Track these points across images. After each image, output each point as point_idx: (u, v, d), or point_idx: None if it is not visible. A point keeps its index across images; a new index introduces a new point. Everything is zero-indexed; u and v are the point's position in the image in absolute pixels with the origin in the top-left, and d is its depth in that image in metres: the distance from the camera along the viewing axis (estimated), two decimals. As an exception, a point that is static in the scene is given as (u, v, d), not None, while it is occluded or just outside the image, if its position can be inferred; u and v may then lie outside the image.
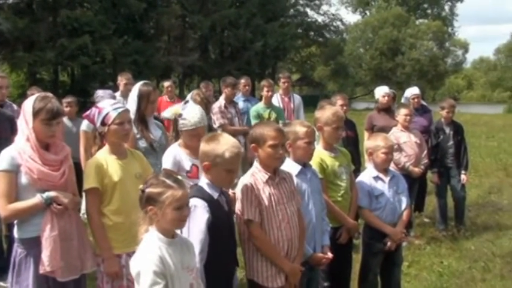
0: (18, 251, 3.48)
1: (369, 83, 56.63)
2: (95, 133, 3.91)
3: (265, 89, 7.97)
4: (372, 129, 7.69)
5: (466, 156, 7.74)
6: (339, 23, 61.98)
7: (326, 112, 4.49)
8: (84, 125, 6.76)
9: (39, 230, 3.40)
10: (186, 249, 2.91)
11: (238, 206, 3.52)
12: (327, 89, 59.23)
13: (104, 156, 3.73)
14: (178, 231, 2.95)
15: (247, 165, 5.88)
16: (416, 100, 8.27)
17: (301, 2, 57.18)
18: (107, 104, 3.83)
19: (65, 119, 7.36)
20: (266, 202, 3.50)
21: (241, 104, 8.33)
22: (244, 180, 3.57)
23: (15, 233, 3.51)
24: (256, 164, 3.65)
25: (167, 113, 4.64)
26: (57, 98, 3.62)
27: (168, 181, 2.81)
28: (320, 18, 60.76)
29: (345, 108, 6.78)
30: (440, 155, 7.64)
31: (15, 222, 3.53)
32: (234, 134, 7.32)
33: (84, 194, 3.73)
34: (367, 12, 67.74)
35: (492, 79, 78.38)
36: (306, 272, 3.78)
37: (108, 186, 3.66)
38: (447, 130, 7.67)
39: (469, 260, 6.44)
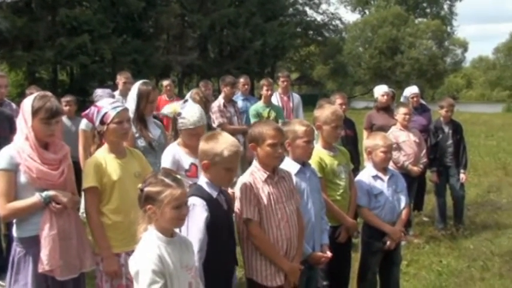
0: (17, 250, 3.48)
1: (368, 82, 56.67)
2: (94, 132, 3.91)
3: (265, 88, 7.97)
4: (371, 128, 7.70)
5: (465, 155, 7.75)
6: (338, 22, 61.97)
7: (325, 111, 4.49)
8: (83, 124, 6.75)
9: (38, 229, 3.40)
10: (185, 248, 2.91)
11: (237, 205, 3.52)
12: (326, 88, 59.20)
13: (103, 155, 3.73)
14: (177, 230, 2.95)
15: (246, 164, 5.88)
16: (415, 99, 8.27)
17: (300, 1, 57.14)
18: (106, 103, 3.83)
19: (64, 118, 7.35)
20: (265, 201, 3.51)
21: (240, 103, 8.32)
22: (243, 179, 3.57)
23: (14, 232, 3.51)
24: (255, 163, 3.65)
25: (166, 110, 4.64)
26: (56, 97, 3.62)
27: (166, 180, 2.81)
28: (319, 17, 60.77)
29: (344, 107, 6.78)
30: (440, 154, 7.64)
31: (14, 221, 3.53)
32: (233, 133, 7.31)
33: (83, 193, 3.73)
34: (367, 11, 67.70)
35: (491, 78, 78.35)
36: (305, 270, 3.78)
37: (107, 185, 3.66)
38: (446, 129, 7.67)
39: (468, 259, 6.45)
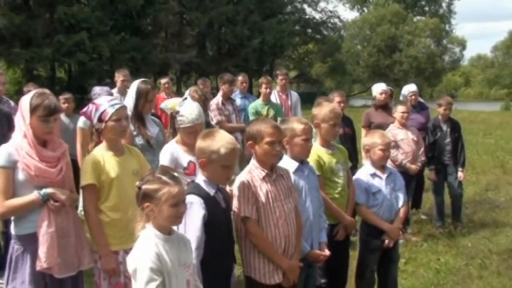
0: (15, 247, 3.48)
1: (367, 80, 56.64)
2: (92, 130, 3.90)
3: (264, 86, 7.97)
4: (369, 126, 7.70)
5: (463, 153, 7.76)
6: (336, 20, 62.12)
7: (323, 109, 4.49)
8: (81, 121, 6.74)
9: (36, 226, 3.40)
10: (183, 245, 2.91)
11: (235, 203, 3.52)
12: (325, 86, 59.33)
13: (101, 153, 3.73)
14: (175, 228, 2.95)
15: (244, 162, 5.88)
16: (413, 97, 8.28)
17: (298, -1, 57.24)
18: (104, 101, 3.82)
19: (62, 116, 7.35)
20: (263, 199, 3.50)
21: (238, 101, 8.32)
22: (241, 177, 3.57)
23: (12, 229, 3.51)
24: (253, 161, 3.65)
25: (164, 105, 4.63)
26: (54, 95, 3.62)
27: (164, 178, 2.81)
28: (318, 15, 60.91)
29: (342, 105, 6.78)
30: (438, 152, 7.65)
31: (12, 218, 3.52)
32: (231, 131, 7.31)
33: (81, 191, 3.73)
34: (365, 9, 67.72)
35: (489, 76, 78.46)
36: (304, 268, 3.78)
37: (105, 183, 3.65)
38: (444, 127, 7.68)
39: (465, 257, 6.45)
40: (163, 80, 10.41)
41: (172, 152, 4.32)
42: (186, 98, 4.84)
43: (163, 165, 4.23)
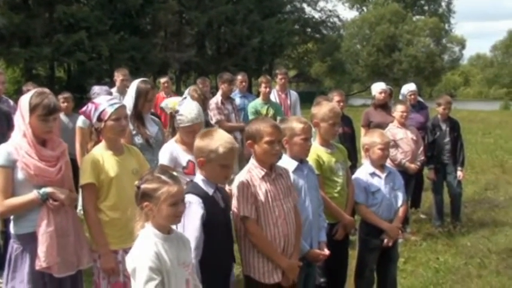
0: (14, 246, 3.48)
1: (366, 80, 56.68)
2: (91, 129, 3.90)
3: (263, 85, 7.96)
4: (369, 125, 7.71)
5: (463, 152, 7.76)
6: (335, 19, 62.16)
7: (323, 108, 4.49)
8: (80, 121, 6.74)
9: (35, 225, 3.39)
10: (182, 244, 2.91)
11: (234, 203, 3.51)
12: (324, 86, 59.34)
13: (100, 152, 3.73)
14: (174, 227, 2.95)
15: (244, 161, 5.88)
16: (412, 97, 8.28)
17: (298, -2, 57.25)
18: (104, 100, 3.82)
19: (61, 115, 7.36)
20: (262, 198, 3.50)
21: (238, 100, 8.32)
22: (241, 176, 3.57)
23: (12, 228, 3.51)
24: (252, 161, 3.65)
25: (165, 105, 4.63)
26: (53, 94, 3.62)
27: (163, 177, 2.81)
28: (317, 15, 60.95)
29: (341, 104, 6.78)
30: (437, 151, 7.65)
31: (12, 217, 3.52)
32: (230, 130, 7.33)
33: (80, 190, 3.73)
34: (364, 9, 67.74)
35: (489, 76, 78.51)
36: (303, 268, 3.78)
37: (104, 182, 3.65)
38: (443, 127, 7.68)
39: (465, 256, 6.46)
40: (162, 79, 10.41)
41: (172, 151, 4.32)
42: (185, 98, 4.85)
43: (163, 165, 4.23)
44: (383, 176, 4.67)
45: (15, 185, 3.40)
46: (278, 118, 7.24)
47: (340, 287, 4.69)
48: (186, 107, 4.41)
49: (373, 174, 4.68)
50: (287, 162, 3.93)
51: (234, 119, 7.95)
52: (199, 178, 3.35)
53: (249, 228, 3.48)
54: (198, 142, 3.35)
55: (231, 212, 3.54)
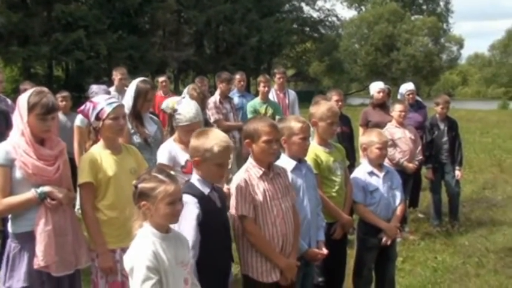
0: (12, 245, 3.47)
1: (364, 79, 56.73)
2: (89, 128, 3.90)
3: (262, 85, 7.95)
4: (367, 125, 7.71)
5: (461, 152, 7.76)
6: (334, 18, 62.19)
7: (321, 107, 4.49)
8: (78, 120, 6.74)
9: (33, 224, 3.39)
10: (180, 244, 2.91)
11: (232, 202, 3.51)
12: (322, 85, 59.37)
13: (99, 151, 3.73)
14: (172, 226, 2.95)
15: (242, 160, 5.88)
16: (411, 96, 8.29)
17: (296, -3, 57.24)
18: (102, 99, 3.82)
19: (60, 114, 7.33)
20: (260, 198, 3.50)
21: (236, 100, 8.32)
22: (239, 175, 3.57)
23: (9, 227, 3.51)
24: (250, 160, 3.65)
25: (165, 106, 4.63)
26: (51, 93, 3.61)
27: (160, 176, 2.81)
28: (315, 14, 60.98)
29: (340, 103, 6.78)
30: (435, 150, 7.66)
31: (10, 216, 3.52)
32: (228, 129, 7.35)
33: (78, 190, 3.72)
34: (363, 8, 67.78)
35: (487, 75, 78.62)
36: (301, 267, 3.78)
37: (102, 181, 3.65)
38: (442, 126, 7.69)
39: (463, 255, 6.46)
40: (160, 79, 10.38)
41: (170, 150, 4.32)
42: (184, 97, 4.84)
43: (161, 164, 4.22)
44: (381, 175, 4.68)
45: (13, 183, 3.40)
46: (277, 117, 7.25)
47: (338, 286, 4.69)
48: (184, 106, 4.41)
49: (371, 174, 4.68)
50: (285, 162, 3.93)
51: (232, 118, 7.95)
52: (195, 178, 3.35)
53: (247, 227, 3.48)
54: (193, 142, 3.35)
55: (229, 211, 3.54)
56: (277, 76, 8.66)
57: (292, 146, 3.98)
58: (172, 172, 3.01)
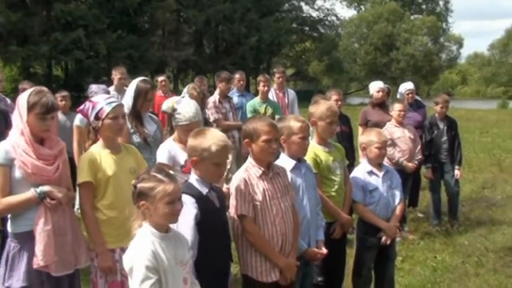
0: (11, 245, 3.47)
1: (364, 78, 56.77)
2: (89, 127, 3.89)
3: (262, 84, 7.94)
4: (366, 124, 7.71)
5: (460, 151, 7.76)
6: (333, 18, 62.22)
7: (320, 107, 4.49)
8: (78, 119, 6.74)
9: (32, 224, 3.39)
10: (179, 243, 2.91)
11: (231, 201, 3.51)
12: (322, 84, 59.36)
13: (98, 151, 3.72)
14: (172, 226, 2.95)
15: (242, 160, 5.88)
16: (410, 95, 8.29)
17: (296, -4, 57.25)
18: (101, 99, 3.81)
19: (59, 114, 7.33)
20: (260, 197, 3.50)
21: (235, 99, 8.31)
22: (238, 175, 3.57)
23: (9, 227, 3.50)
24: (249, 159, 3.65)
25: (166, 106, 4.62)
26: (51, 93, 3.61)
27: (159, 176, 2.81)
28: (315, 13, 61.00)
29: (339, 103, 6.78)
30: (434, 150, 7.66)
31: (9, 216, 3.52)
32: (228, 129, 7.35)
33: (77, 189, 3.72)
34: (362, 7, 67.79)
35: (486, 74, 78.66)
36: (300, 266, 3.78)
37: (101, 181, 3.65)
38: (441, 125, 7.68)
39: (462, 254, 6.47)
40: (160, 78, 10.38)
41: (170, 149, 4.32)
42: (184, 96, 4.84)
43: (160, 163, 4.22)
44: (380, 174, 4.68)
45: (13, 183, 3.39)
46: (276, 117, 7.24)
47: (338, 286, 4.69)
48: (184, 105, 4.41)
49: (370, 173, 4.68)
50: (285, 161, 3.93)
51: (232, 117, 7.94)
52: (193, 178, 3.34)
53: (247, 227, 3.48)
54: (191, 141, 3.34)
55: (228, 211, 3.54)
56: (277, 75, 8.66)
57: (292, 145, 3.98)
58: (171, 171, 3.01)
